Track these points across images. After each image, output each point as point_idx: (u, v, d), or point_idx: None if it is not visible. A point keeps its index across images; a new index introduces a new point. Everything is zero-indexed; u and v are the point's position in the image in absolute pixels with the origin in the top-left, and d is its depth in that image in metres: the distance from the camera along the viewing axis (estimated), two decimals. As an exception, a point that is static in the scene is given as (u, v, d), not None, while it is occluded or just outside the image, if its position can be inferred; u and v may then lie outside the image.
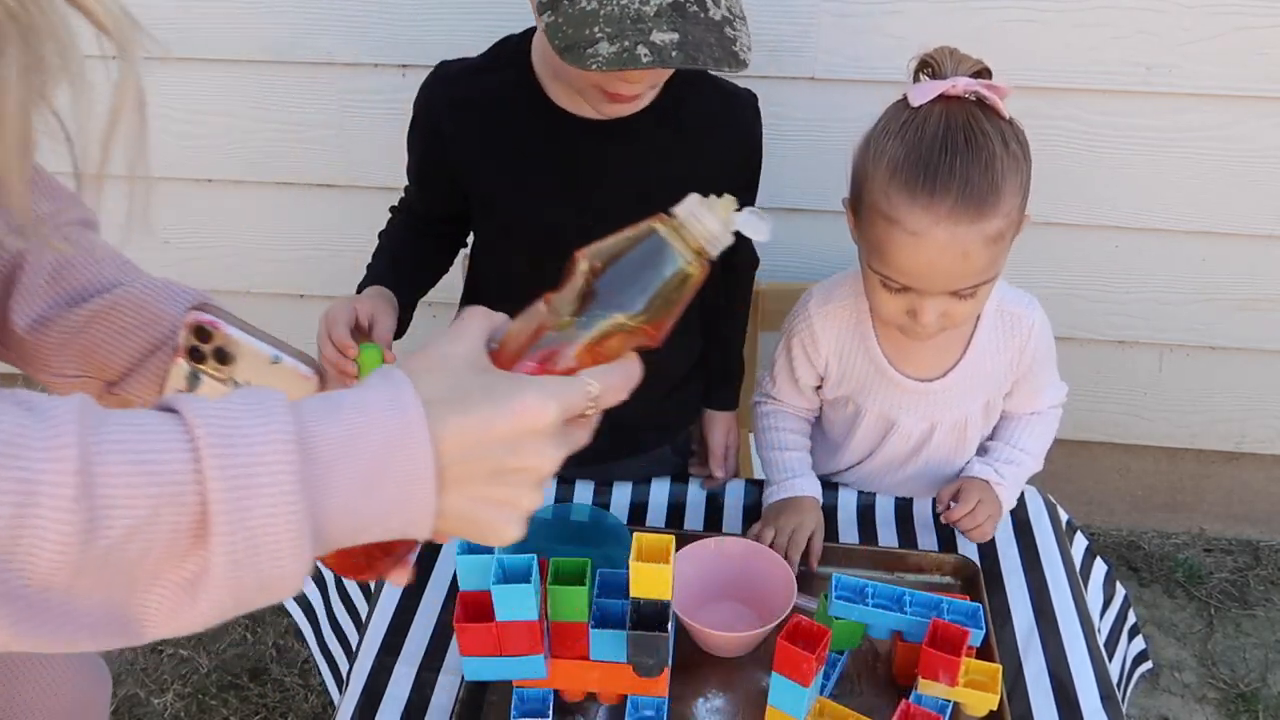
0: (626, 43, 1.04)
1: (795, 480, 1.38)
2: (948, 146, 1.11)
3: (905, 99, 1.16)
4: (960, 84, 1.12)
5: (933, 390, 1.35)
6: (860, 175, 1.19)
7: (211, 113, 2.01)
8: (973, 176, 1.10)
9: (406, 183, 1.47)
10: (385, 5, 1.86)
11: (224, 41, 1.92)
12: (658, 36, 1.05)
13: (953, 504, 1.33)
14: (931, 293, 1.17)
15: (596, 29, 1.05)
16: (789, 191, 1.96)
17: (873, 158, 1.16)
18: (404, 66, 1.90)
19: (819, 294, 1.39)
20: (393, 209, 1.50)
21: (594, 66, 1.05)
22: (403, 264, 1.41)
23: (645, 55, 1.04)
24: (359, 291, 1.33)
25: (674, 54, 1.05)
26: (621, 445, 1.54)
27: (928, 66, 1.16)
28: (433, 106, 1.32)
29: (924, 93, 1.14)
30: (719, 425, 1.59)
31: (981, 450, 1.43)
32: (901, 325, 1.24)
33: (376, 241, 1.46)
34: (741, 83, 1.36)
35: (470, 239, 1.50)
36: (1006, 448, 1.40)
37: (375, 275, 1.37)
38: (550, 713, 1.10)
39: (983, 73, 1.15)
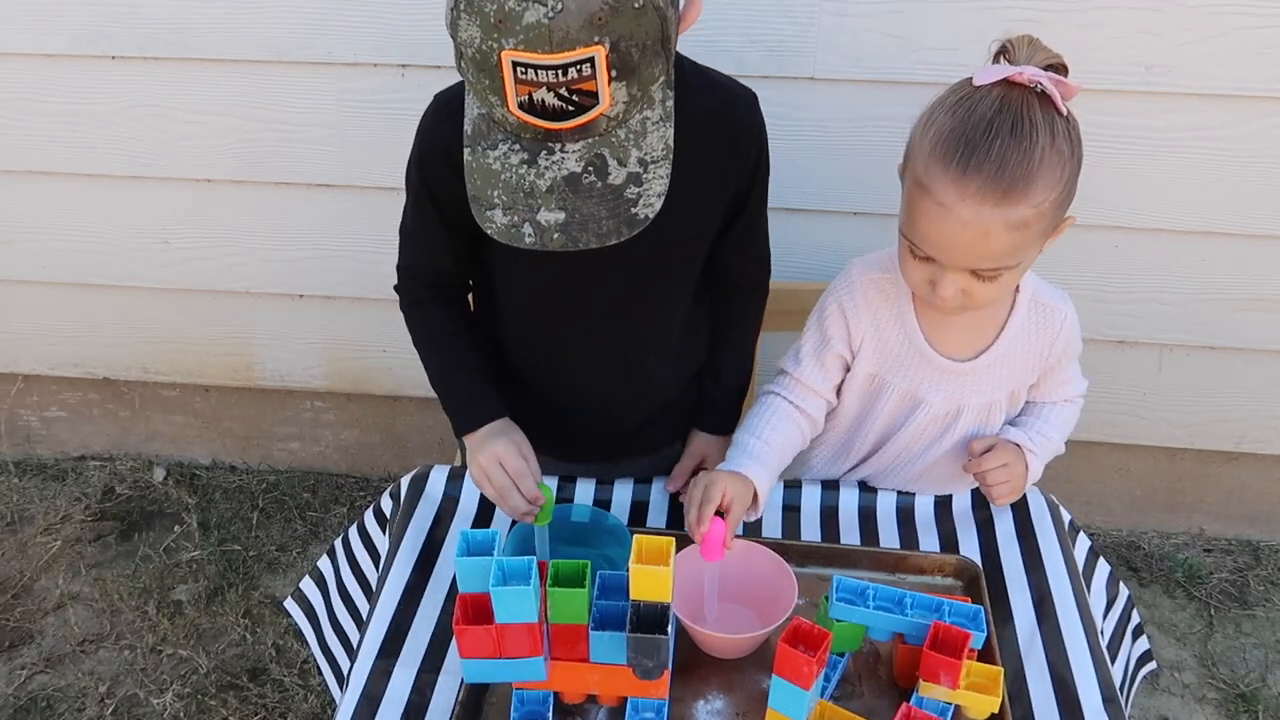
0: (516, 217, 1.09)
1: (743, 460, 1.31)
2: (992, 128, 1.12)
3: (971, 78, 1.17)
4: (1027, 73, 1.13)
5: (964, 371, 1.35)
6: (911, 143, 1.22)
7: (211, 113, 2.01)
8: (1009, 160, 1.11)
9: (400, 258, 1.42)
10: (385, 5, 1.85)
11: (224, 41, 1.91)
12: (544, 216, 1.09)
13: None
14: (951, 266, 1.18)
15: (496, 192, 1.10)
16: (789, 191, 1.95)
17: (923, 127, 1.18)
18: (403, 66, 1.90)
19: (863, 262, 1.38)
20: (404, 303, 1.44)
21: (489, 230, 1.11)
22: (480, 372, 1.41)
23: (529, 236, 1.09)
24: (462, 419, 1.37)
25: (556, 236, 1.09)
26: (635, 445, 1.54)
27: (1005, 52, 1.18)
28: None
29: (989, 75, 1.15)
30: (719, 449, 1.51)
31: (1012, 424, 1.43)
32: (923, 295, 1.26)
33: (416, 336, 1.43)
34: (741, 82, 1.35)
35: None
36: (1038, 422, 1.41)
37: (474, 405, 1.37)
38: (550, 714, 1.10)
39: (1057, 67, 1.15)
